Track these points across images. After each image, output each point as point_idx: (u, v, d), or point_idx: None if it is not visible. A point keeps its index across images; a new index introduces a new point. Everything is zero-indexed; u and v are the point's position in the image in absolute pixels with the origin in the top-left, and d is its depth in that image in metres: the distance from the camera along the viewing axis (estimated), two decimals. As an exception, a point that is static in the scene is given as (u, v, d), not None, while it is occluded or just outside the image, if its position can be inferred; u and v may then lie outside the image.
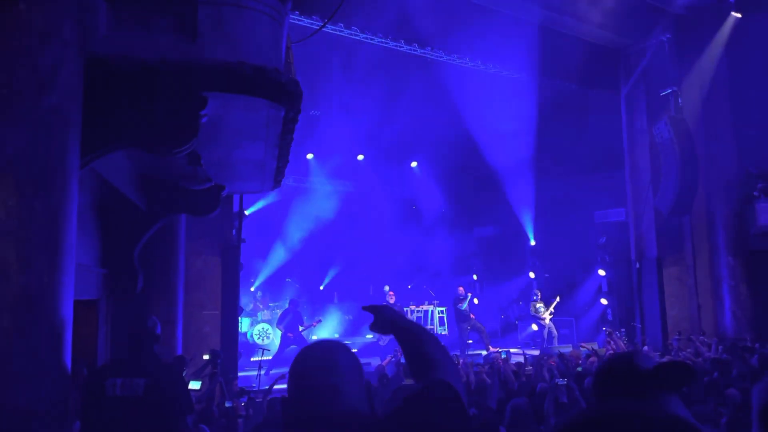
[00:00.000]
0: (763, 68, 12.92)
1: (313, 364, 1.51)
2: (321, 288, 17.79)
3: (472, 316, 13.70)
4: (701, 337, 11.49)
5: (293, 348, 11.86)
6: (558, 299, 14.45)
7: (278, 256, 16.37)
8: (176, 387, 3.61)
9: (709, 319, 13.08)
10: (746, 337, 11.72)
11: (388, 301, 12.73)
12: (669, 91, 13.09)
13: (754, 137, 12.94)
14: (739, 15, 12.79)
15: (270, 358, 12.10)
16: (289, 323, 12.45)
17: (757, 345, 10.38)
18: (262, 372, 9.69)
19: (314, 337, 13.30)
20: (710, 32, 13.14)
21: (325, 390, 1.45)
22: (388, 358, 9.38)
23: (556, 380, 6.53)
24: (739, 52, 13.03)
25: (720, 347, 10.12)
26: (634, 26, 13.09)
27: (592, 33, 12.79)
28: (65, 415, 3.53)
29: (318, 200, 17.66)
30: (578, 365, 8.55)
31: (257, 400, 7.01)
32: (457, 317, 13.85)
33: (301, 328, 12.47)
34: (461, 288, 14.02)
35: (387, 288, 15.48)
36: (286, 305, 13.19)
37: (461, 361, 9.32)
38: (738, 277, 12.80)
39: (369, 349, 13.08)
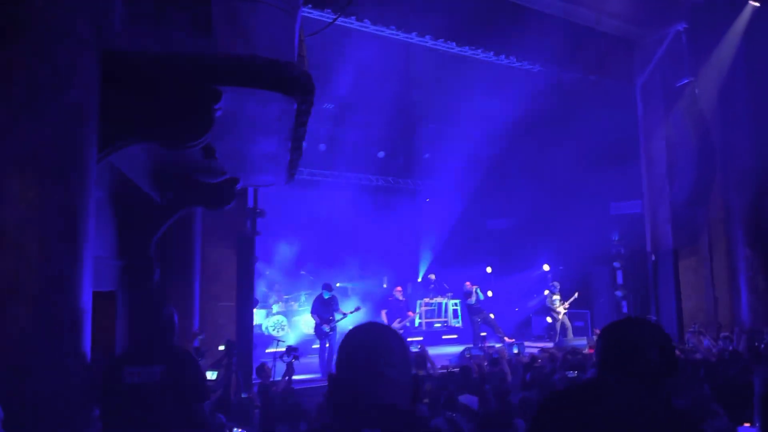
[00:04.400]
0: (781, 57, 12.76)
1: (365, 347, 1.52)
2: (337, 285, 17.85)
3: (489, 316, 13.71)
4: (723, 333, 11.41)
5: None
6: (576, 295, 14.41)
7: (290, 248, 16.42)
8: (192, 373, 3.69)
9: (725, 310, 12.98)
10: (763, 329, 11.63)
11: (396, 297, 12.61)
12: (685, 81, 12.95)
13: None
14: (757, 4, 12.62)
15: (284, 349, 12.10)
16: (325, 311, 11.29)
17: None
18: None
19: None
20: (727, 22, 12.98)
21: (373, 377, 1.46)
22: None
23: (567, 373, 6.57)
24: (757, 42, 12.86)
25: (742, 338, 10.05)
26: (649, 16, 12.96)
27: (608, 23, 12.68)
28: (86, 402, 3.62)
29: (332, 193, 17.74)
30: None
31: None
32: (469, 311, 13.90)
33: (338, 317, 11.32)
34: (467, 283, 14.02)
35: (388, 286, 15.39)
36: (327, 293, 11.59)
37: (473, 353, 9.38)
38: (755, 269, 12.69)
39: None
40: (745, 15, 12.80)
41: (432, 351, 9.48)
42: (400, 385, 1.47)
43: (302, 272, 16.48)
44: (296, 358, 7.67)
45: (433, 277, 16.85)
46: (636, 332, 1.81)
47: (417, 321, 15.77)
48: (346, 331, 1.69)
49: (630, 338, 1.79)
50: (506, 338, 13.01)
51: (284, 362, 7.61)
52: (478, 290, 13.96)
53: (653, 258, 13.43)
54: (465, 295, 13.82)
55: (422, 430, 1.45)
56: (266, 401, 6.68)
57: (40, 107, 3.58)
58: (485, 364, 8.82)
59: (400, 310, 12.42)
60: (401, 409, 1.44)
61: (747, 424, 2.93)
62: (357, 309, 12.24)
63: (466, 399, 5.93)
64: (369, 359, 1.47)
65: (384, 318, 12.40)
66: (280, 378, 7.70)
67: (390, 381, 1.45)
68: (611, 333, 1.87)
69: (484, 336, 13.75)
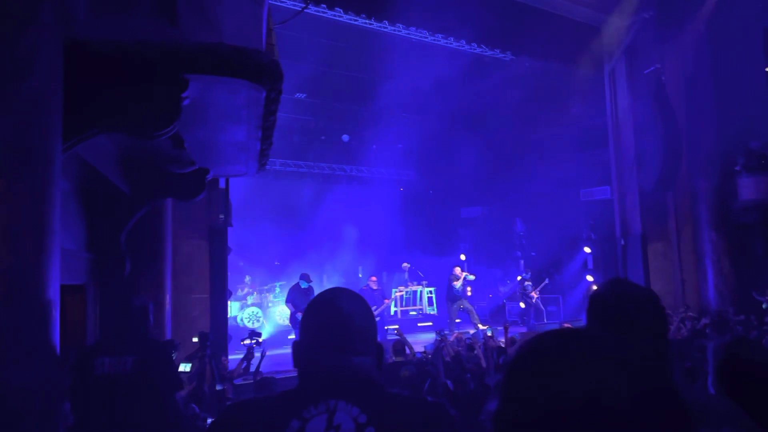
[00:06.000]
0: (745, 44, 13.04)
1: (329, 311, 1.46)
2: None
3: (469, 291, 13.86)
4: (689, 313, 11.69)
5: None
6: (546, 281, 14.63)
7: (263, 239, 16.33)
8: (164, 364, 3.68)
9: (692, 293, 13.32)
10: (729, 310, 11.94)
11: (371, 288, 12.67)
12: (652, 68, 13.16)
13: (736, 112, 13.08)
14: (720, -9, 12.87)
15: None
16: (303, 301, 10.98)
17: (742, 317, 10.62)
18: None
19: None
20: (692, 9, 13.22)
21: (339, 339, 1.41)
22: None
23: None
24: (721, 29, 13.12)
25: (703, 321, 10.32)
26: (616, 3, 13.13)
27: (575, 11, 12.81)
28: (56, 394, 3.58)
29: (307, 183, 17.70)
30: None
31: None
32: (449, 296, 13.96)
33: None
34: (457, 268, 14.08)
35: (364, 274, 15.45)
36: (305, 283, 11.46)
37: (449, 338, 9.47)
38: (720, 252, 13.02)
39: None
40: (710, 2, 13.04)
41: (407, 339, 9.55)
42: (366, 362, 1.44)
43: (276, 263, 16.44)
44: (258, 343, 7.57)
45: (407, 265, 16.93)
46: (627, 293, 1.68)
47: (392, 309, 15.85)
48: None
49: (621, 298, 1.66)
50: (480, 325, 13.15)
51: (245, 346, 7.55)
52: (468, 276, 13.95)
53: (622, 242, 13.70)
54: (452, 278, 13.81)
55: (387, 396, 1.40)
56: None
57: (1, 97, 3.51)
58: (460, 349, 8.93)
59: (375, 299, 12.47)
60: (367, 378, 1.42)
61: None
62: None
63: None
64: (335, 348, 1.41)
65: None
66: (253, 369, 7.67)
67: (357, 363, 1.41)
68: (599, 294, 1.73)
69: (458, 322, 13.87)
